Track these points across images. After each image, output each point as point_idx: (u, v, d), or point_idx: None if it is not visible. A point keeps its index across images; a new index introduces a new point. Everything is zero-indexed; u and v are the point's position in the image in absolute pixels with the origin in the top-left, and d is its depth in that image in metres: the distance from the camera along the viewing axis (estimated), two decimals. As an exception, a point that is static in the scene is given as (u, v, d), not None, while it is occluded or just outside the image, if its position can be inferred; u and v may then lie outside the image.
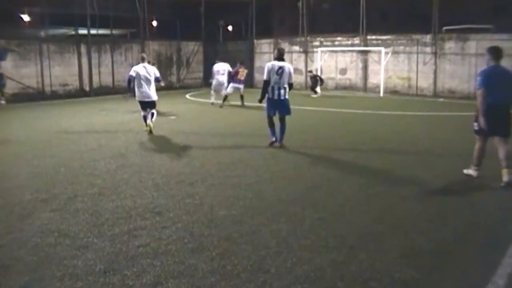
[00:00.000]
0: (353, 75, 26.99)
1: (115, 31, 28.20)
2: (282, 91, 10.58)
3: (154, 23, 31.62)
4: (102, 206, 6.66)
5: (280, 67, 10.56)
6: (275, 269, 4.69)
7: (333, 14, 29.89)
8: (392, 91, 24.99)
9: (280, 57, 10.83)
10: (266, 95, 10.77)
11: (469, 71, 22.94)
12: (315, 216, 6.24)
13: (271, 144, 10.92)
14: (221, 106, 18.70)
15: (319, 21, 29.27)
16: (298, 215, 6.26)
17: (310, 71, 25.54)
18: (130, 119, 15.55)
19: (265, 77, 10.69)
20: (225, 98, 19.17)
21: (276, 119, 10.93)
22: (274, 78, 10.53)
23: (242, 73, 19.84)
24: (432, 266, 4.80)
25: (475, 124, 7.99)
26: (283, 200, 6.93)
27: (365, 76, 26.52)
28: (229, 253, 5.04)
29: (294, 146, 10.99)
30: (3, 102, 21.17)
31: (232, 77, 19.37)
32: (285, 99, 10.68)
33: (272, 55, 29.12)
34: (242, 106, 19.10)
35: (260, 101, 11.07)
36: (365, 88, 26.51)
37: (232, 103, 19.13)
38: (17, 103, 21.34)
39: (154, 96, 12.73)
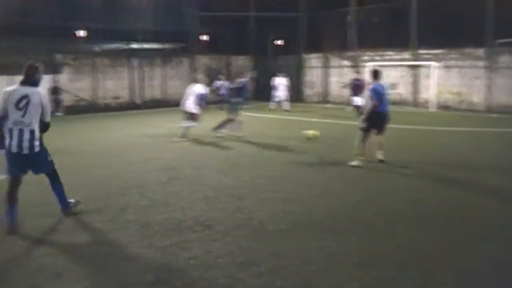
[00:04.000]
0: (404, 90, 26.60)
1: (166, 45, 28.76)
2: (27, 136, 6.13)
3: (204, 37, 32.05)
4: (153, 217, 6.77)
5: (25, 96, 6.17)
6: (324, 285, 4.66)
7: (383, 28, 29.61)
8: (443, 106, 24.47)
9: (29, 79, 6.34)
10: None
11: (524, 86, 22.28)
12: (364, 232, 6.17)
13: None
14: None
15: (368, 35, 29.03)
16: (347, 231, 6.20)
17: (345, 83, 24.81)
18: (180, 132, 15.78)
19: None
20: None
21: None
22: (14, 113, 6.12)
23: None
24: (486, 286, 4.67)
25: (365, 123, 10.59)
26: (332, 216, 6.88)
27: (416, 91, 26.11)
28: (278, 268, 5.03)
29: (341, 161, 10.91)
30: (60, 113, 21.86)
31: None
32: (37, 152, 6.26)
33: (321, 70, 29.17)
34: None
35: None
36: (415, 103, 26.09)
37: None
38: (71, 115, 21.96)
39: None
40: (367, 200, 7.75)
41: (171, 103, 26.52)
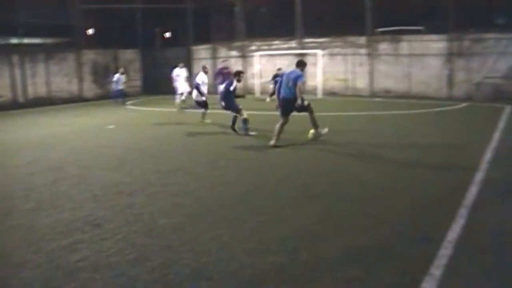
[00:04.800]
0: (292, 78, 27.18)
1: (49, 40, 27.48)
2: None
3: (90, 31, 30.92)
4: (39, 221, 6.50)
5: None
6: (217, 275, 4.70)
7: (270, 18, 30.12)
8: (330, 93, 25.42)
9: None
10: None
11: (403, 71, 23.65)
12: (256, 219, 6.29)
13: None
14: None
15: (256, 26, 29.41)
16: (239, 220, 6.29)
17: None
18: (67, 131, 15.23)
19: None
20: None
21: None
22: None
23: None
24: (373, 263, 4.93)
25: (278, 109, 11.65)
26: (224, 205, 6.96)
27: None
28: (171, 262, 5.02)
29: (231, 150, 11.03)
30: None
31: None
32: None
33: (210, 61, 29.18)
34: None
35: None
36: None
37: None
38: None
39: None
40: (258, 188, 7.90)
41: (57, 101, 25.55)
